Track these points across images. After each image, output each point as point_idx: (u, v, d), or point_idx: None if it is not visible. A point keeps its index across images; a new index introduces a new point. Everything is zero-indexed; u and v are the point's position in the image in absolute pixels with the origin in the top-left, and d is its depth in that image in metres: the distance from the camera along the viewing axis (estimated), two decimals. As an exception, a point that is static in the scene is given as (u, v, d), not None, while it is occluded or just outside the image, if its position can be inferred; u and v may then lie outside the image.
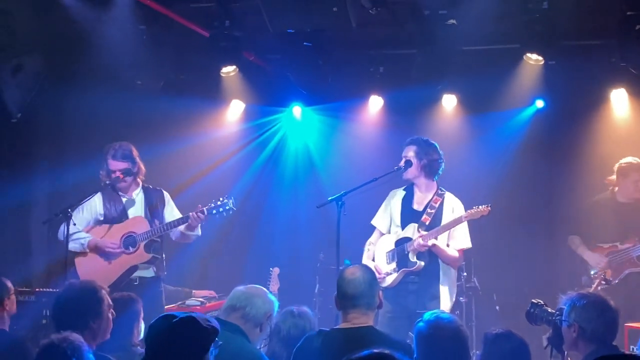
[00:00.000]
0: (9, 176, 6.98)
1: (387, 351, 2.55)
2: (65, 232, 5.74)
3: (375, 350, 2.54)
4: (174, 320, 2.88)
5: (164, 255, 6.29)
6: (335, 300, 4.05)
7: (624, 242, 6.55)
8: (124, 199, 6.22)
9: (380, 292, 4.05)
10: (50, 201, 7.36)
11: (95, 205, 6.18)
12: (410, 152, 6.00)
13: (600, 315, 3.72)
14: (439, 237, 5.88)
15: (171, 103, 7.57)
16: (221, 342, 2.99)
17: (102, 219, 6.19)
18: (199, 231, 6.26)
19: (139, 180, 6.27)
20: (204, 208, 6.02)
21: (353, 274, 4.00)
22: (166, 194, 6.38)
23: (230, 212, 6.10)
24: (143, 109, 7.40)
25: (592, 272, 6.62)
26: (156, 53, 6.90)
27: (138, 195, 6.27)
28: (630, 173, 6.64)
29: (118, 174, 6.07)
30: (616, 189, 6.74)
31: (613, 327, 3.76)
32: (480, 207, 5.81)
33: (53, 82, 7.02)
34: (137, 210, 6.22)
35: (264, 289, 4.29)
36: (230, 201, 6.04)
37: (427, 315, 3.70)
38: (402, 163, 6.00)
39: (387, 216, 6.20)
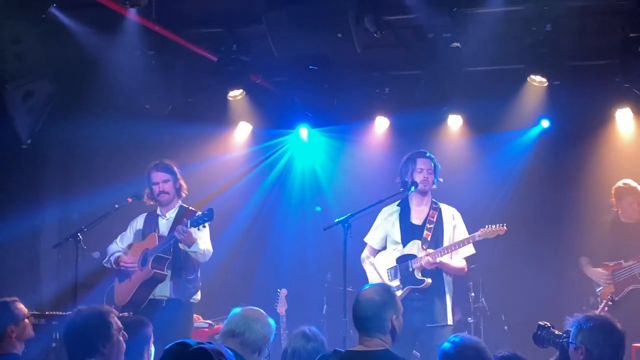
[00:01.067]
0: (19, 202, 7.04)
1: None
2: (75, 255, 5.84)
3: None
4: (188, 350, 2.88)
5: (190, 277, 6.20)
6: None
7: (628, 260, 6.63)
8: (160, 219, 6.34)
9: (394, 317, 3.79)
10: (60, 226, 7.43)
11: (138, 225, 6.39)
12: (431, 166, 6.10)
13: (607, 337, 3.71)
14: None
15: (179, 127, 7.65)
16: None
17: (141, 238, 6.34)
18: (197, 247, 6.08)
19: (179, 200, 6.37)
20: (188, 221, 5.97)
21: (364, 295, 3.87)
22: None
23: (210, 215, 5.93)
24: (152, 133, 7.49)
25: (597, 290, 6.68)
26: (164, 78, 6.97)
27: (172, 214, 6.35)
28: (623, 196, 6.76)
29: (161, 186, 6.23)
30: (619, 210, 6.82)
31: (620, 350, 3.75)
32: (495, 226, 5.83)
33: (63, 108, 7.10)
34: (163, 228, 6.30)
35: (261, 311, 4.18)
36: (211, 213, 5.93)
37: (453, 337, 3.70)
38: (420, 177, 6.01)
39: (381, 233, 6.24)
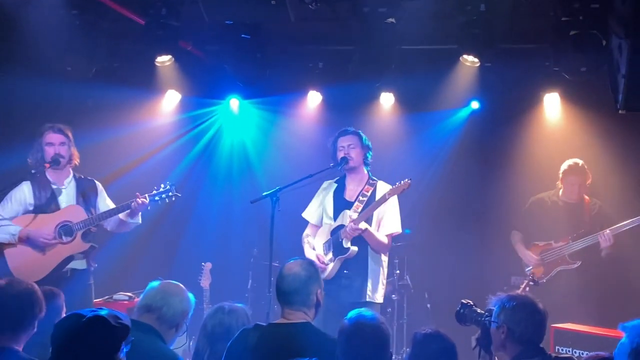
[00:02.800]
0: None
1: None
2: None
3: None
4: (83, 320, 2.75)
5: (96, 245, 6.14)
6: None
7: (558, 241, 6.71)
8: (54, 186, 6.00)
9: (319, 291, 3.93)
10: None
11: (24, 194, 5.93)
12: (354, 141, 6.06)
13: (529, 317, 3.76)
14: (370, 224, 5.90)
15: (103, 91, 7.36)
16: (133, 338, 2.89)
17: (31, 208, 5.95)
18: (139, 219, 6.10)
19: (70, 168, 6.08)
20: (146, 194, 5.91)
21: (289, 270, 3.92)
22: (98, 184, 6.22)
23: (173, 199, 6.05)
24: (74, 96, 7.20)
25: (526, 270, 6.78)
26: (89, 39, 6.67)
27: (69, 183, 6.06)
28: (568, 174, 6.77)
29: (57, 149, 5.91)
30: (562, 188, 6.85)
31: (541, 329, 3.80)
32: (400, 182, 5.85)
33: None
34: (68, 199, 6.01)
35: (181, 285, 4.08)
36: (173, 187, 5.99)
37: (351, 313, 3.66)
38: (341, 154, 5.99)
39: (319, 209, 6.22)
